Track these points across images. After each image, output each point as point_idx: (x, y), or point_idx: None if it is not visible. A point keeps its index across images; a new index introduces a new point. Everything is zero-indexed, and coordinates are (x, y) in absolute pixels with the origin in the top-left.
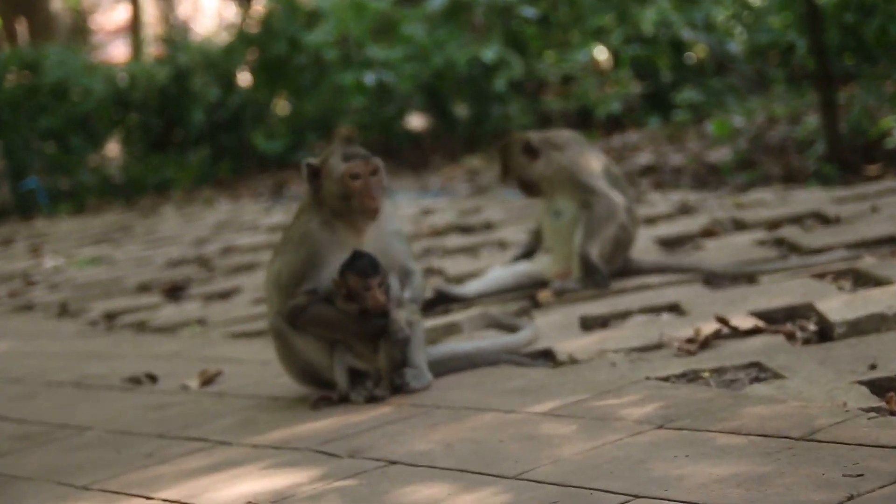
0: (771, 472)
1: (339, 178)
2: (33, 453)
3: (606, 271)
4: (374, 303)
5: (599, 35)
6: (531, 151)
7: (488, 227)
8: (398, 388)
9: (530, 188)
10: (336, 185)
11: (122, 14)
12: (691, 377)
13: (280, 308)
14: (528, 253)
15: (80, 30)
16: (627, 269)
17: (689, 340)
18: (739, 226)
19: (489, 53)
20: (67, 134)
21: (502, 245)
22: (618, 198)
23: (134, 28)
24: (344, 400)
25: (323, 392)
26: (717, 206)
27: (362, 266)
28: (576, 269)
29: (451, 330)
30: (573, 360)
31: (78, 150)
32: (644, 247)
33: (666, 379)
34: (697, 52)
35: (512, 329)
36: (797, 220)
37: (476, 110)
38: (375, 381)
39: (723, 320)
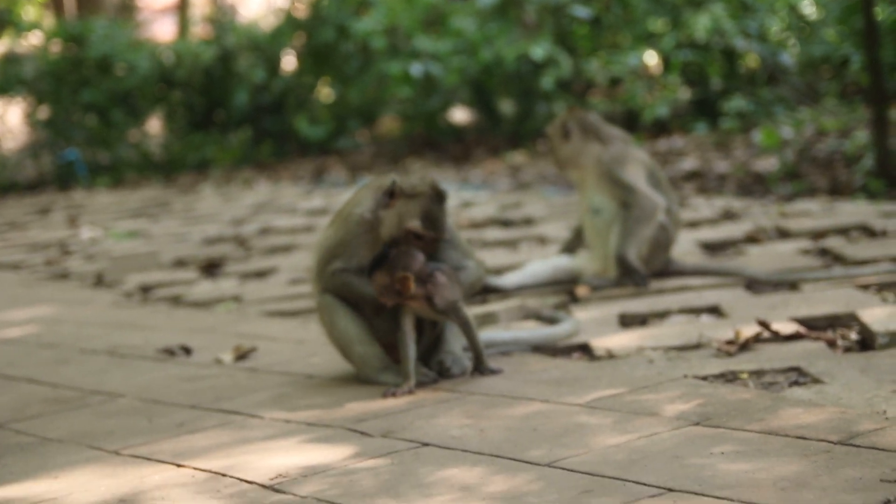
0: (807, 473)
1: (403, 226)
2: (65, 417)
3: (645, 271)
4: (402, 292)
5: (650, 39)
6: (565, 132)
7: (528, 222)
8: (438, 374)
9: (556, 163)
10: (396, 226)
11: None
12: (729, 378)
13: (319, 278)
14: (570, 248)
15: (126, 6)
16: (668, 271)
17: (729, 342)
18: (783, 234)
19: (538, 51)
20: (110, 108)
21: (542, 240)
22: (657, 198)
23: (181, 7)
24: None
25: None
26: (762, 214)
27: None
28: (612, 269)
29: (488, 319)
30: (611, 356)
31: (119, 125)
32: (686, 250)
33: (704, 378)
34: (749, 62)
35: (552, 322)
36: (842, 231)
37: (521, 107)
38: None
39: (764, 324)
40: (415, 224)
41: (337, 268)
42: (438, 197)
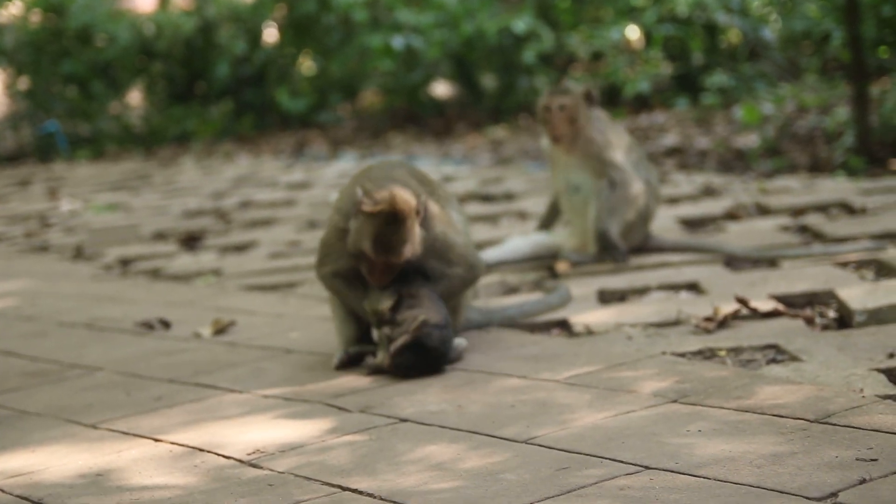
0: (784, 451)
1: (358, 245)
2: (43, 390)
3: (624, 247)
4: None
5: (632, 13)
6: (590, 99)
7: (509, 197)
8: None
9: (564, 134)
10: (353, 243)
11: None
12: (707, 355)
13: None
14: (546, 224)
15: None
16: (648, 247)
17: (708, 319)
18: (763, 211)
19: (520, 24)
20: (90, 80)
21: (522, 215)
22: (638, 174)
23: None
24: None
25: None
26: (742, 191)
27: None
28: (591, 244)
29: None
30: (589, 332)
31: (99, 97)
32: (666, 226)
33: (682, 355)
34: (731, 37)
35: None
36: (822, 208)
37: (503, 81)
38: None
39: (742, 301)
40: (366, 245)
41: (327, 271)
42: (394, 217)
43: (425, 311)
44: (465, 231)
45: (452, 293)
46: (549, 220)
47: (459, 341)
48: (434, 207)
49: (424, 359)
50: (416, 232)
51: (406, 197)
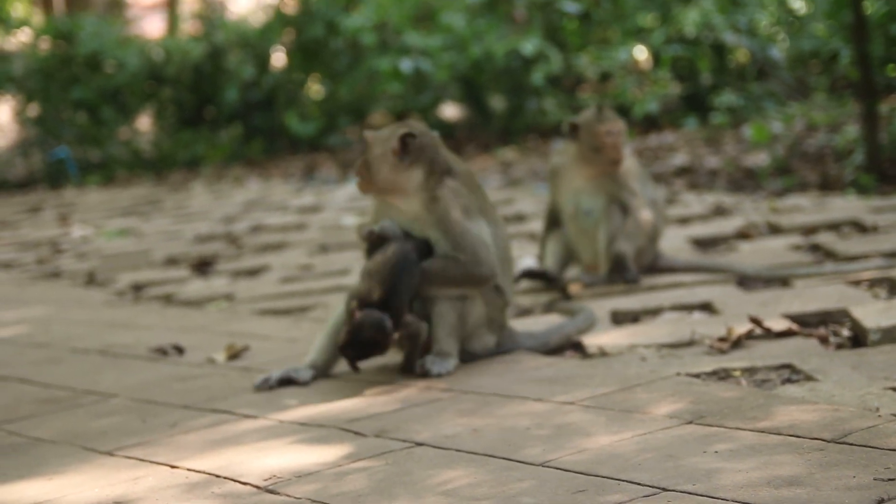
0: (801, 472)
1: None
2: (57, 417)
3: (636, 269)
4: None
5: (640, 34)
6: (573, 130)
7: (520, 218)
8: (421, 374)
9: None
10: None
11: None
12: (722, 375)
13: None
14: (551, 227)
15: (115, 3)
16: (658, 266)
17: (721, 339)
18: (774, 230)
19: (528, 46)
20: (99, 106)
21: (532, 237)
22: (646, 195)
23: (170, 4)
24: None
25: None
26: (753, 210)
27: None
28: (604, 265)
29: None
30: (603, 353)
31: (109, 123)
32: (677, 246)
33: (696, 376)
34: (739, 56)
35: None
36: (833, 226)
37: (512, 103)
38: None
39: (756, 321)
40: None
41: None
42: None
43: (358, 288)
44: (493, 242)
45: (448, 277)
46: (551, 223)
47: (452, 361)
48: (454, 184)
49: (371, 346)
50: (384, 167)
51: (412, 131)
